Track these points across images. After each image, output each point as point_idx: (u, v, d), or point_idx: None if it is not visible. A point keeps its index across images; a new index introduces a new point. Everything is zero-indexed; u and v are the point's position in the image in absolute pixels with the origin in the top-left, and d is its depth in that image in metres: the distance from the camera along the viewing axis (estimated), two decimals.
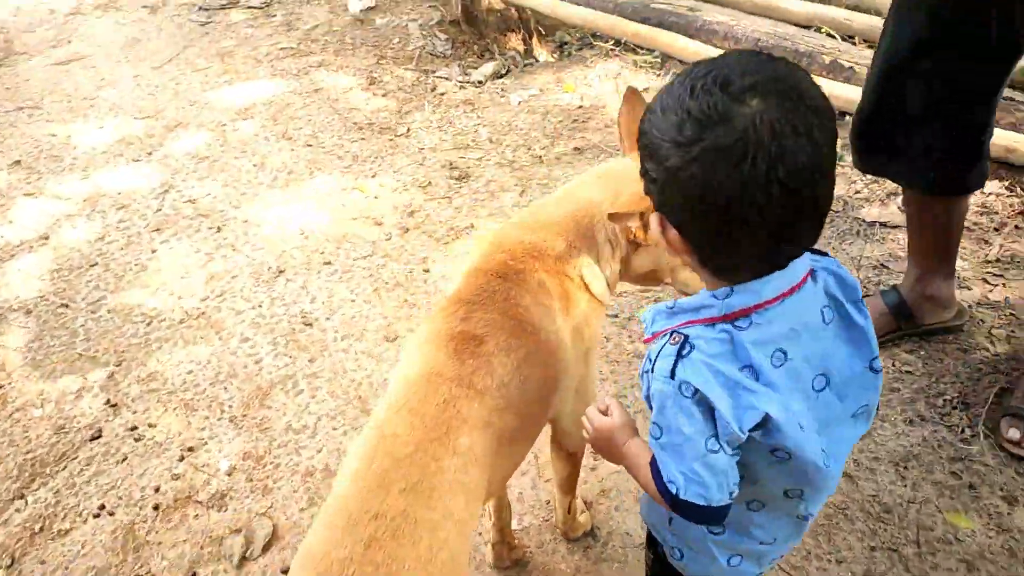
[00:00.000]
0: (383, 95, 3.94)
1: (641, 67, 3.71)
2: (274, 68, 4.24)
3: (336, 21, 4.70)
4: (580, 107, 3.59)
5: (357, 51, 4.42)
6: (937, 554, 1.69)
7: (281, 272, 2.73)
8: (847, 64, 3.11)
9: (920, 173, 1.81)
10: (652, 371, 0.92)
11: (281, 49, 4.47)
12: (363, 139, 3.53)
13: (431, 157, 3.34)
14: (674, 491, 0.91)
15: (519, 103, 3.73)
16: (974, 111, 1.72)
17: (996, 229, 2.55)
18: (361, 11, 4.75)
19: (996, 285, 2.31)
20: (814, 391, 0.93)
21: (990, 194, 2.69)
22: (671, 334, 0.91)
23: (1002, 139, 2.66)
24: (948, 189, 1.85)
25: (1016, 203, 2.64)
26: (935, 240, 2.00)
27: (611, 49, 3.82)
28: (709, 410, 0.87)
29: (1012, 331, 2.16)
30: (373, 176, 3.23)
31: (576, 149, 3.29)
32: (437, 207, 3.00)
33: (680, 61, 3.59)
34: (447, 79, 4.16)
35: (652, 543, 1.24)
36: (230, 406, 2.23)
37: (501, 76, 4.24)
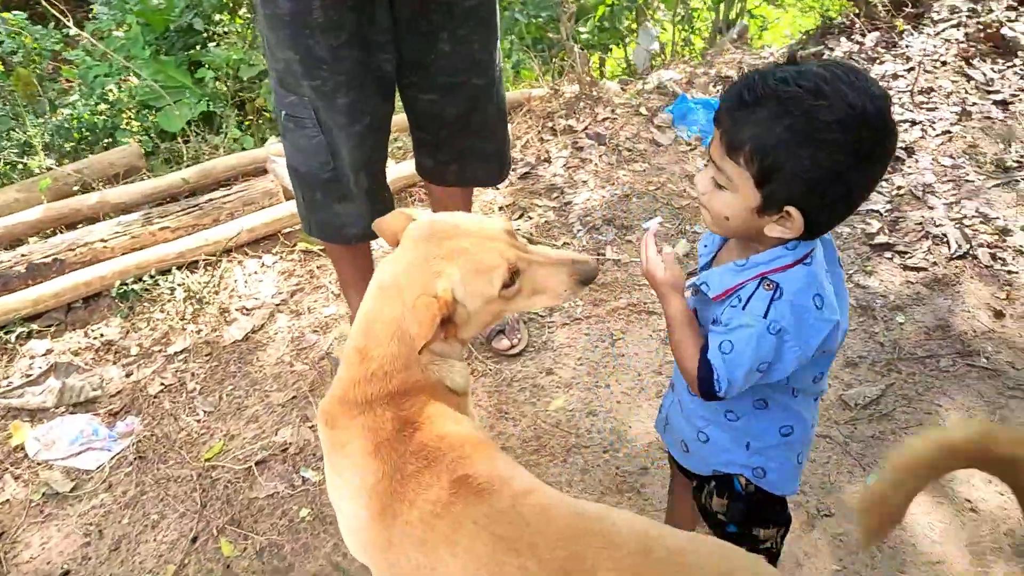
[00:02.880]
0: None
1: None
2: None
3: None
4: None
5: None
6: None
7: None
8: None
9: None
10: (744, 308, 1.14)
11: None
12: None
13: None
14: (716, 384, 1.17)
15: None
16: None
17: None
18: None
19: None
20: (827, 273, 1.20)
21: None
22: (762, 281, 1.15)
23: None
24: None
25: None
26: None
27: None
28: (781, 343, 1.12)
29: None
30: None
31: None
32: None
33: None
34: None
35: (723, 489, 1.36)
36: None
37: None
